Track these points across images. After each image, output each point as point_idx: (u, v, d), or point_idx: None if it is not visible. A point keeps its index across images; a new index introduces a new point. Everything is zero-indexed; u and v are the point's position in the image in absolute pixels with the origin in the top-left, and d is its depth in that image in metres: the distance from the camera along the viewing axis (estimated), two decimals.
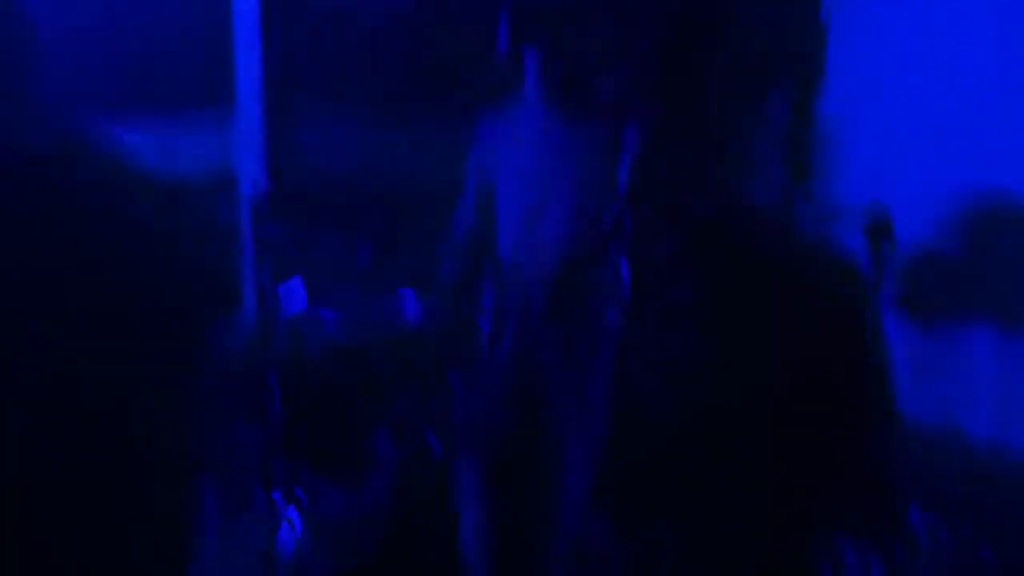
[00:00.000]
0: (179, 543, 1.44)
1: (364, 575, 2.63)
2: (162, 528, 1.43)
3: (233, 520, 2.67)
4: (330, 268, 3.19)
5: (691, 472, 1.53)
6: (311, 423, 2.89)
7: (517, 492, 1.73)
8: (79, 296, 1.37)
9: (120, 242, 1.41)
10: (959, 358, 3.38)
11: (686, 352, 1.52)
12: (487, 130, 3.48)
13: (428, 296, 3.19)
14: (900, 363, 3.08)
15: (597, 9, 3.11)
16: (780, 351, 1.53)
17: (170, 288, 1.51)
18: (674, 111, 1.46)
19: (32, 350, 1.30)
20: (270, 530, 2.59)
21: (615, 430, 1.52)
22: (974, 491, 2.67)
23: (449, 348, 3.06)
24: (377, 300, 3.23)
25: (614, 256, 1.50)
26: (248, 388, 2.95)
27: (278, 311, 3.03)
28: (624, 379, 1.51)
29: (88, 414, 1.34)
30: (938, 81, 3.65)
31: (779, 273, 1.56)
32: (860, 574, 1.54)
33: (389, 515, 2.68)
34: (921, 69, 3.71)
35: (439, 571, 2.28)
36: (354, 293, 3.26)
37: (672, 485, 1.54)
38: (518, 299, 1.74)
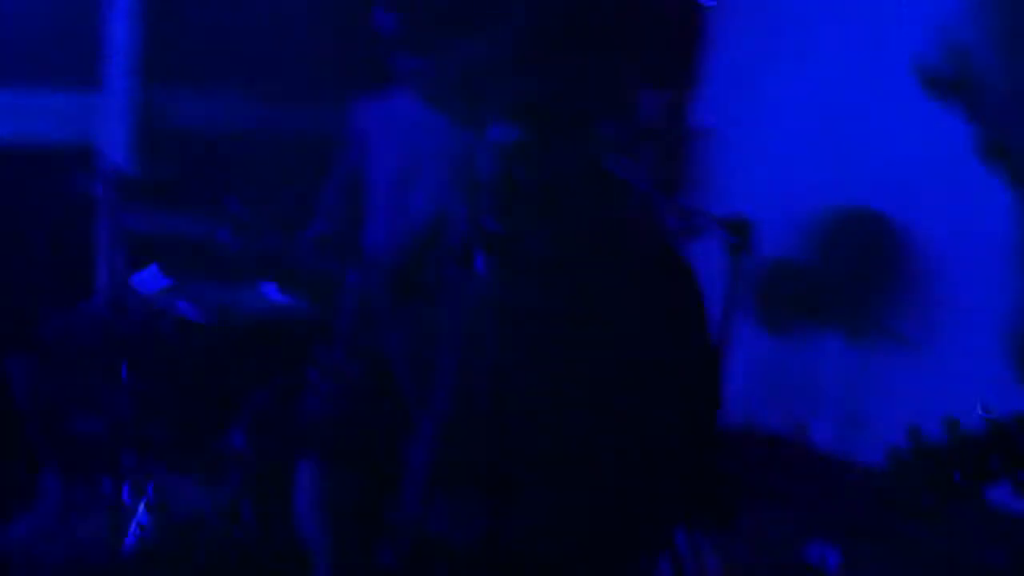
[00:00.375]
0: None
1: (216, 571, 2.59)
2: None
3: (80, 513, 2.61)
4: (189, 256, 3.12)
5: (532, 459, 1.56)
6: (163, 417, 2.83)
7: (361, 481, 1.74)
8: None
9: None
10: (807, 368, 3.48)
11: (535, 347, 1.55)
12: (358, 121, 3.47)
13: (290, 289, 3.16)
14: (753, 371, 3.16)
15: (472, 15, 3.11)
16: (623, 350, 1.57)
17: (19, 268, 1.46)
18: (545, 117, 1.48)
19: None
20: (118, 523, 2.53)
21: (460, 419, 1.53)
22: (815, 490, 2.76)
23: (309, 341, 3.03)
24: (237, 291, 3.18)
25: (474, 253, 1.50)
26: (97, 378, 2.87)
27: (133, 298, 2.95)
28: (477, 374, 1.53)
29: None
30: (808, 100, 3.74)
31: (633, 277, 1.60)
32: (693, 562, 1.58)
33: (244, 511, 2.64)
34: (793, 86, 3.79)
35: (294, 564, 2.27)
36: (214, 283, 3.20)
37: (514, 469, 1.56)
38: (377, 291, 1.75)
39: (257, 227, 3.04)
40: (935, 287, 3.24)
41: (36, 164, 3.75)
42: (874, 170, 3.46)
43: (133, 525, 2.51)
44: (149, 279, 3.04)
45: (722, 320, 1.80)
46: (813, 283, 3.56)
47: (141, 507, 2.55)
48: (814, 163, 3.72)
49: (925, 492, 2.02)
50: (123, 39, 3.85)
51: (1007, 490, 1.88)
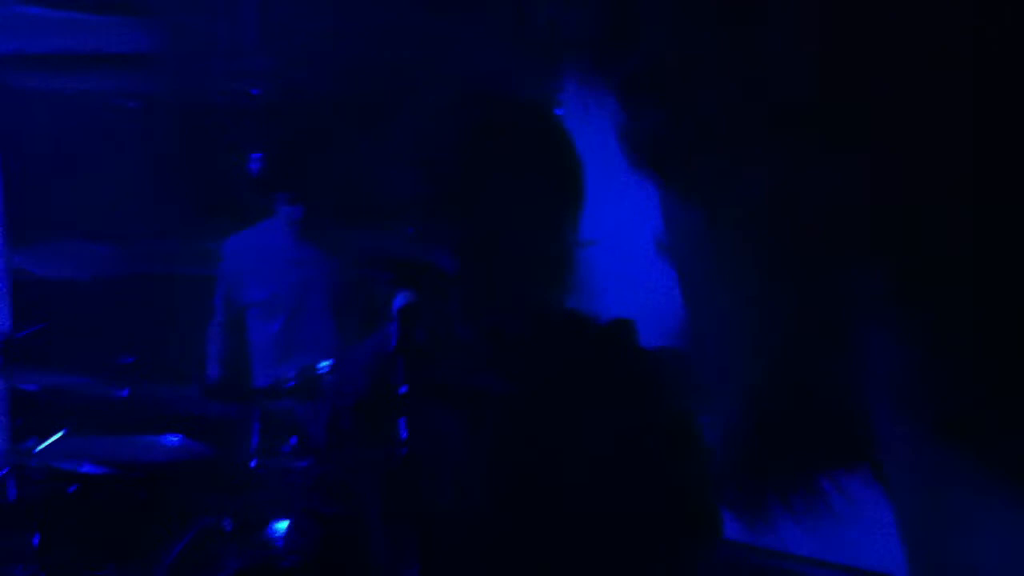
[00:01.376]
0: None
1: None
2: None
3: None
4: (84, 412, 3.08)
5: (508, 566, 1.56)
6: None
7: None
8: None
9: None
10: None
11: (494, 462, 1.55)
12: (236, 256, 3.49)
13: (193, 436, 3.14)
14: None
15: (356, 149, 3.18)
16: (589, 447, 1.56)
17: None
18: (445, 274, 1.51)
19: None
20: None
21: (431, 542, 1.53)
22: None
23: (217, 489, 3.01)
24: (137, 443, 3.14)
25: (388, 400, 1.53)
26: (9, 549, 2.79)
27: (35, 464, 2.89)
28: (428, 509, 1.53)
29: None
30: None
31: (591, 373, 1.59)
32: None
33: None
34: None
35: None
36: (113, 437, 3.15)
37: None
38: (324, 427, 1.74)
39: (148, 377, 3.04)
40: None
41: None
42: None
43: None
44: (49, 441, 2.98)
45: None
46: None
47: None
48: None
49: None
50: None
51: None
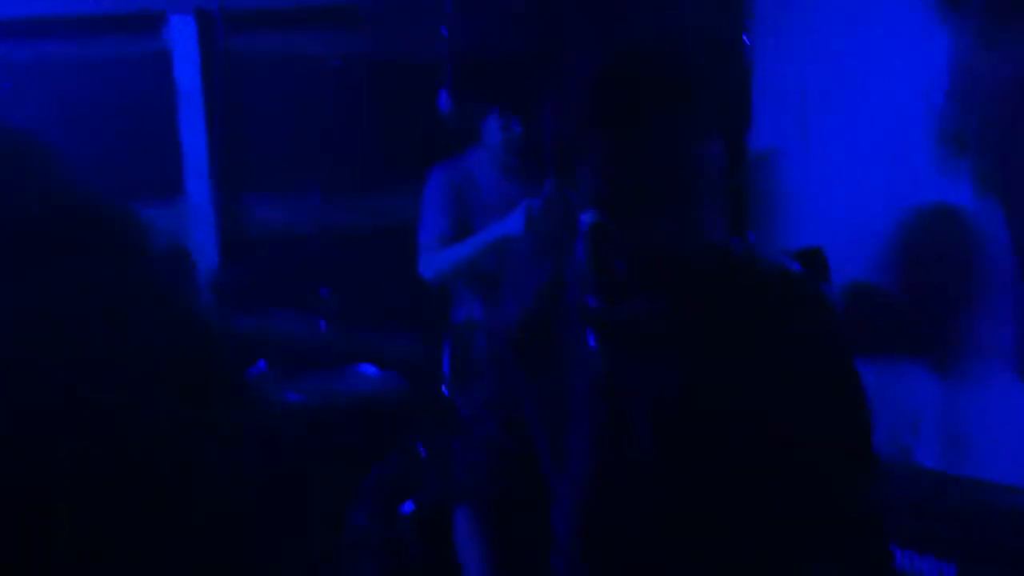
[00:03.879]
0: None
1: None
2: None
3: None
4: (290, 345, 3.24)
5: (674, 511, 1.57)
6: (283, 506, 2.92)
7: (507, 550, 1.76)
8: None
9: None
10: (901, 391, 3.46)
11: (662, 392, 1.56)
12: (440, 191, 3.58)
13: (389, 368, 3.27)
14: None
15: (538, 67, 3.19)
16: (756, 385, 1.54)
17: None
18: (623, 168, 1.51)
19: None
20: None
21: (598, 476, 1.56)
22: (926, 510, 2.74)
23: (413, 416, 3.14)
24: (338, 375, 3.29)
25: (578, 309, 1.55)
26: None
27: (248, 395, 3.07)
28: (604, 423, 1.55)
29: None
30: (861, 119, 3.74)
31: (749, 309, 1.57)
32: None
33: None
34: (844, 112, 3.81)
35: None
36: (315, 370, 3.31)
37: (656, 526, 1.58)
38: (487, 356, 1.79)
39: (349, 313, 3.17)
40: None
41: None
42: (939, 183, 3.45)
43: None
44: (253, 371, 3.17)
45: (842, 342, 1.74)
46: (894, 305, 3.56)
47: None
48: (877, 184, 3.71)
49: None
50: (200, 149, 4.03)
51: None
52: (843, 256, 3.55)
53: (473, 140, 3.59)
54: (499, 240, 3.33)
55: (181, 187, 4.02)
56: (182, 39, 3.99)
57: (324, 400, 3.03)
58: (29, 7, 3.83)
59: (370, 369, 3.30)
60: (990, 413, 3.28)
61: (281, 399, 3.01)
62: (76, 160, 3.26)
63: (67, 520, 1.15)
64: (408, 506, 2.82)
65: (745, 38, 3.99)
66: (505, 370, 1.69)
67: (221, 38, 4.03)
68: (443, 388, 3.10)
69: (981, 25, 3.24)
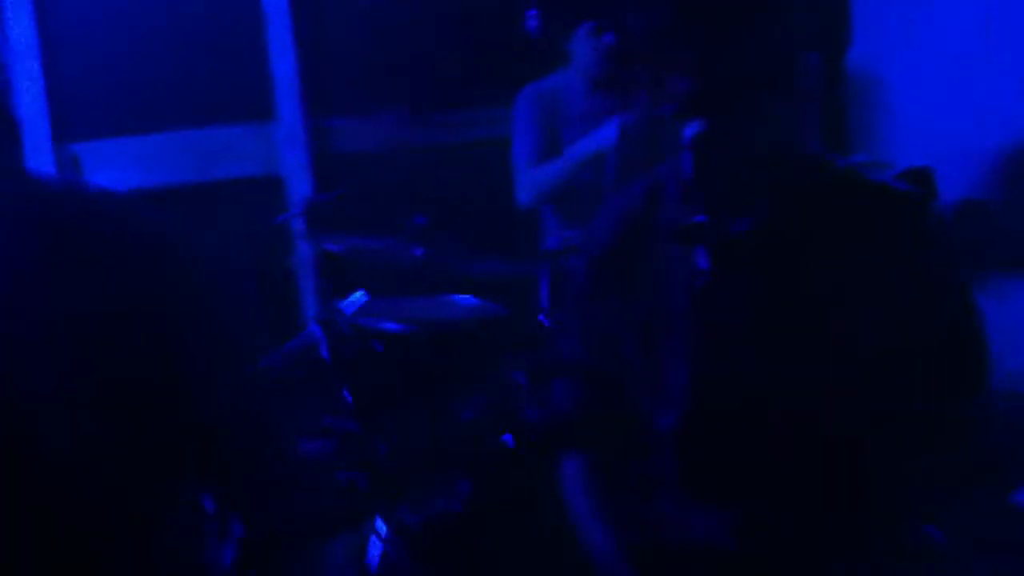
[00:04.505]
0: None
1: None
2: None
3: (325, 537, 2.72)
4: (384, 273, 3.23)
5: (775, 446, 1.54)
6: (386, 433, 2.94)
7: (610, 479, 1.74)
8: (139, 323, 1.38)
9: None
10: (1012, 314, 3.38)
11: (765, 320, 1.53)
12: (530, 113, 3.52)
13: (486, 296, 3.25)
14: None
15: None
16: (865, 311, 1.51)
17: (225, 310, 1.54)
18: (731, 100, 1.47)
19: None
20: (359, 543, 2.63)
21: (696, 403, 1.53)
22: None
23: (511, 345, 3.12)
24: (434, 302, 3.28)
25: (679, 227, 1.50)
26: (320, 405, 3.00)
27: (342, 321, 3.08)
28: (707, 341, 1.52)
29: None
30: (970, 33, 3.62)
31: (855, 227, 1.53)
32: (952, 558, 1.55)
33: (473, 519, 2.72)
34: (951, 22, 3.68)
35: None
36: (411, 297, 3.31)
37: (756, 459, 1.55)
38: (579, 278, 1.75)
39: (444, 238, 3.14)
40: None
41: (224, 200, 3.93)
42: None
43: (373, 542, 2.62)
44: (353, 301, 3.16)
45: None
46: (1001, 230, 3.46)
47: (379, 522, 2.65)
48: (985, 105, 3.60)
49: None
50: (289, 70, 4.00)
51: None
52: (950, 175, 3.46)
53: (561, 63, 3.51)
54: (592, 154, 3.27)
55: (272, 111, 4.00)
56: None
57: (421, 329, 3.01)
58: None
59: (467, 297, 3.28)
60: None
61: (378, 328, 3.00)
62: (167, 83, 3.24)
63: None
64: (507, 438, 2.81)
65: None
66: (597, 291, 1.66)
67: None
68: (541, 316, 3.06)
69: None
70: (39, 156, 3.72)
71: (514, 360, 2.97)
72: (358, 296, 3.11)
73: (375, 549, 2.59)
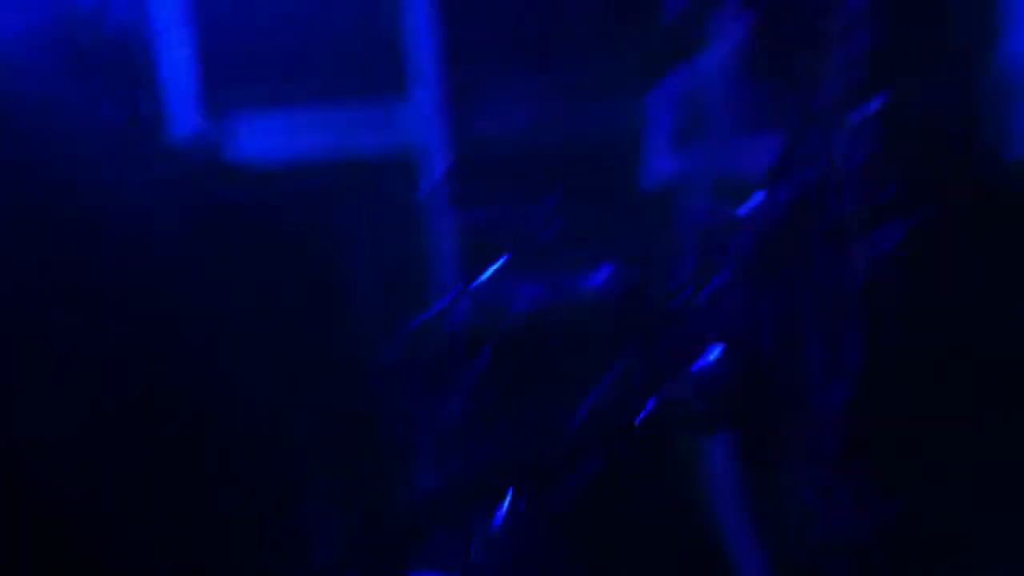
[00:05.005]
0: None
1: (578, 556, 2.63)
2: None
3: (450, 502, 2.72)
4: (525, 243, 3.21)
5: (944, 429, 1.47)
6: (518, 402, 2.91)
7: (762, 455, 1.69)
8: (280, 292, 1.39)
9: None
10: None
11: (931, 302, 1.46)
12: (669, 100, 3.45)
13: (626, 266, 3.19)
14: None
15: None
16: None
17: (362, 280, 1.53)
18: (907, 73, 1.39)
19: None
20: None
21: (863, 380, 1.46)
22: None
23: (647, 318, 3.05)
24: (575, 273, 3.24)
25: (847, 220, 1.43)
26: (457, 367, 2.99)
27: (480, 293, 3.06)
28: (867, 330, 1.45)
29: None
30: None
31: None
32: None
33: (600, 492, 2.68)
34: None
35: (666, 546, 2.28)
36: (547, 268, 3.27)
37: (925, 441, 1.48)
38: (738, 264, 1.70)
39: (578, 211, 3.10)
40: None
41: (359, 176, 3.95)
42: None
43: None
44: (489, 273, 3.14)
45: None
46: None
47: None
48: None
49: None
50: (427, 44, 3.99)
51: None
52: None
53: (703, 48, 3.42)
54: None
55: (408, 86, 4.01)
56: None
57: (561, 297, 2.98)
58: None
59: (609, 268, 3.22)
60: None
61: (516, 296, 2.97)
62: (312, 56, 3.26)
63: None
64: (642, 413, 2.75)
65: None
66: (765, 268, 1.63)
67: None
68: (685, 292, 2.99)
69: None
70: (188, 127, 3.79)
71: (652, 333, 2.91)
72: (497, 265, 3.09)
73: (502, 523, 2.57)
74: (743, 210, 2.88)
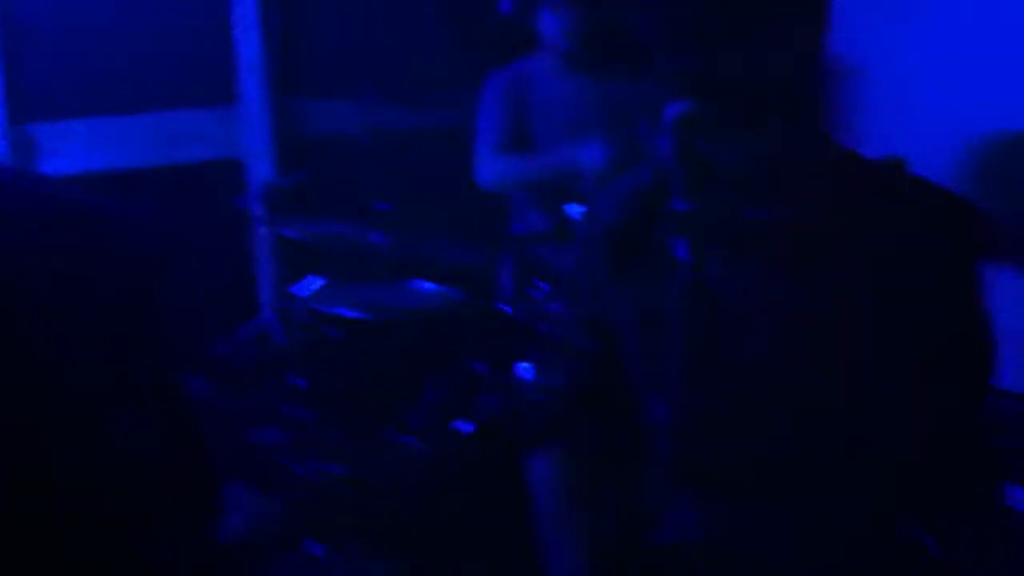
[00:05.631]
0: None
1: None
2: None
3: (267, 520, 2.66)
4: (343, 260, 3.16)
5: (770, 442, 1.47)
6: (337, 420, 2.87)
7: (603, 464, 1.67)
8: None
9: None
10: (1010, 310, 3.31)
11: (776, 336, 1.45)
12: (498, 96, 3.44)
13: (445, 282, 3.17)
14: None
15: None
16: (879, 310, 1.43)
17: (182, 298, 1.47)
18: (719, 83, 1.39)
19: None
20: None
21: (693, 395, 1.45)
22: None
23: (471, 333, 3.04)
24: (393, 288, 3.20)
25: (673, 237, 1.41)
26: (272, 390, 2.93)
27: (298, 307, 3.00)
28: (702, 340, 1.44)
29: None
30: (954, 21, 3.56)
31: (881, 225, 1.44)
32: (951, 549, 1.49)
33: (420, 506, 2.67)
34: (933, 16, 3.63)
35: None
36: (370, 283, 3.23)
37: (756, 469, 1.48)
38: (595, 260, 1.67)
39: (406, 225, 3.07)
40: None
41: (186, 184, 3.85)
42: None
43: None
44: (309, 286, 3.08)
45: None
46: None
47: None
48: (964, 92, 3.53)
49: None
50: (254, 52, 3.91)
51: None
52: (923, 163, 3.39)
53: (533, 46, 3.43)
54: (571, 171, 3.19)
55: (234, 92, 3.92)
56: None
57: (378, 315, 2.93)
58: None
59: (426, 284, 3.20)
60: None
61: (334, 314, 2.92)
62: (129, 64, 3.14)
63: None
64: (464, 425, 2.74)
65: None
66: (598, 276, 1.60)
67: None
68: (501, 304, 2.99)
69: None
70: None
71: (474, 348, 2.90)
72: (313, 282, 3.03)
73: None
74: (573, 212, 2.88)
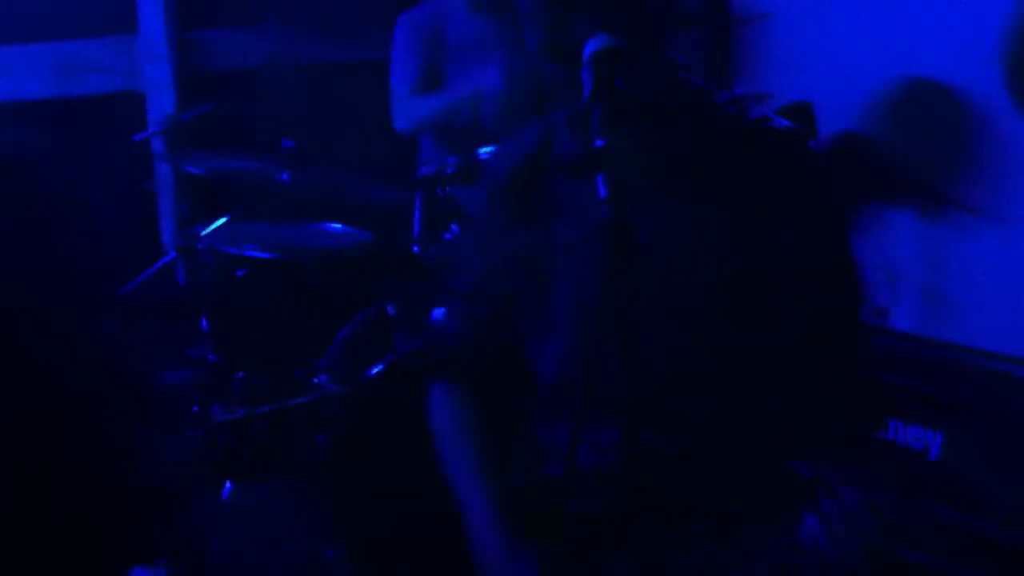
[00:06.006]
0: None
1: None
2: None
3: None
4: (250, 197, 3.10)
5: (664, 381, 1.51)
6: (244, 362, 2.83)
7: (501, 398, 1.71)
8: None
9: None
10: (883, 250, 3.40)
11: (663, 265, 1.49)
12: (410, 37, 3.39)
13: (355, 222, 3.14)
14: None
15: None
16: (757, 252, 1.51)
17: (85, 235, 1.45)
18: (632, 17, 1.41)
19: None
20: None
21: (587, 341, 1.49)
22: (906, 375, 2.69)
23: (382, 275, 3.02)
24: (301, 229, 3.16)
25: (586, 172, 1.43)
26: (180, 330, 2.88)
27: (202, 246, 2.93)
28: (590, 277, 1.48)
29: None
30: None
31: (760, 173, 1.53)
32: (836, 490, 1.54)
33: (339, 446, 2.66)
34: None
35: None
36: (277, 223, 3.18)
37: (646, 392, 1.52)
38: (491, 203, 1.70)
39: (313, 162, 3.02)
40: (1011, 155, 3.15)
41: (84, 116, 3.73)
42: (936, 38, 3.34)
43: None
44: (215, 225, 3.02)
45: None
46: (879, 163, 3.47)
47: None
48: (866, 39, 3.59)
49: None
50: None
51: None
52: (830, 109, 3.45)
53: None
54: (474, 96, 3.19)
55: (135, 22, 3.79)
56: None
57: (286, 256, 2.89)
58: None
59: (335, 225, 3.16)
60: (972, 272, 3.23)
61: (239, 255, 2.87)
62: None
63: None
64: (375, 367, 2.73)
65: None
66: (494, 223, 1.63)
67: None
68: (413, 245, 2.97)
69: None
70: None
71: (383, 290, 2.88)
72: (219, 222, 2.97)
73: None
74: (484, 154, 2.88)
